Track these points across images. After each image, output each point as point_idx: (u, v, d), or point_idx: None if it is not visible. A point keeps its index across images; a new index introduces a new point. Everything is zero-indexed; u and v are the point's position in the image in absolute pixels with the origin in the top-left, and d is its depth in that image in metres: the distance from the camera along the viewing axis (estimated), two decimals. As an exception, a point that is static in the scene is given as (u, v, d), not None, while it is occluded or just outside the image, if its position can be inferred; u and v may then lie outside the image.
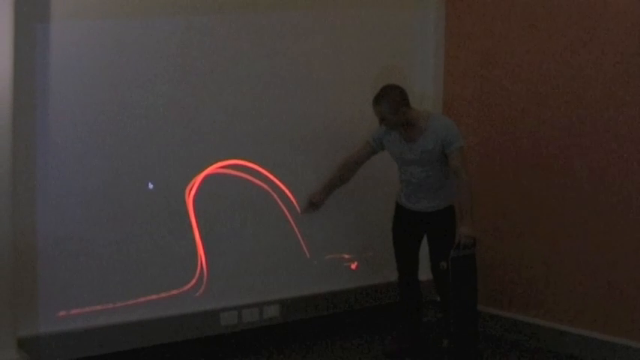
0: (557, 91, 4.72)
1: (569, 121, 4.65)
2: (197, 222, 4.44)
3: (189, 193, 4.42)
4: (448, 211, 4.47)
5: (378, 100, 4.35)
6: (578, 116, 4.61)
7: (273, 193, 4.75)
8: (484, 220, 4.80)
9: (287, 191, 4.81)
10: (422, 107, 4.87)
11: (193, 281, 4.46)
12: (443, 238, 4.41)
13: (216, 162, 4.52)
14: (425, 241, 4.62)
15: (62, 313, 4.02)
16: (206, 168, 4.48)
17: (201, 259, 4.48)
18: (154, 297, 4.32)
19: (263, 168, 4.69)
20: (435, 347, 4.74)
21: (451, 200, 4.48)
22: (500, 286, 5.01)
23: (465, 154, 4.37)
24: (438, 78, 5.45)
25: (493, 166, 5.07)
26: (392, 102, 4.31)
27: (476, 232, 4.28)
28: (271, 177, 4.73)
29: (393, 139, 4.47)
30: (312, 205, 4.60)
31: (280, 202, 4.79)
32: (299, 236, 4.89)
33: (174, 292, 4.39)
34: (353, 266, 5.17)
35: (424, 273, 4.81)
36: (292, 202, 4.82)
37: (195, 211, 4.43)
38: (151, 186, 4.29)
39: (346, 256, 5.15)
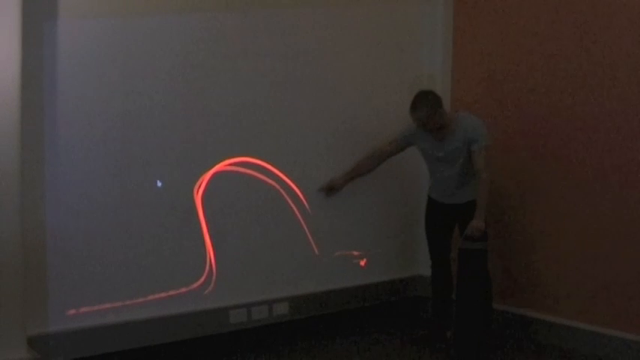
0: (567, 78, 4.69)
1: (579, 109, 4.63)
2: (205, 220, 4.43)
3: (198, 191, 4.41)
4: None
5: (415, 106, 4.45)
6: (588, 104, 4.59)
7: (281, 190, 4.74)
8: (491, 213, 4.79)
9: (295, 188, 4.80)
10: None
11: (202, 279, 4.45)
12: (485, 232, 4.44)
13: (224, 159, 4.51)
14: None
15: (71, 311, 4.02)
16: (214, 165, 4.47)
17: (209, 256, 4.47)
18: (162, 295, 4.31)
19: (271, 165, 4.68)
20: (440, 338, 4.78)
21: None
22: (506, 280, 5.00)
23: (488, 153, 4.43)
24: (446, 69, 5.46)
25: (504, 159, 5.03)
26: (430, 107, 4.43)
27: (484, 225, 4.34)
28: (279, 174, 4.72)
29: (424, 138, 4.60)
30: (332, 189, 4.82)
31: (289, 199, 4.78)
32: (308, 233, 4.88)
33: (184, 289, 4.39)
34: (362, 263, 5.16)
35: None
36: (301, 199, 4.81)
37: (203, 209, 4.42)
38: (159, 184, 4.28)
39: (355, 253, 5.14)
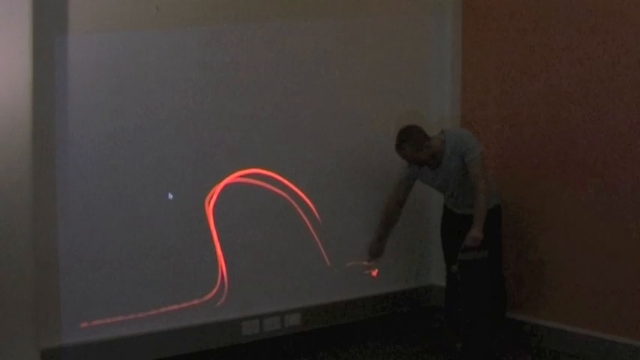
0: (579, 97, 4.65)
1: (592, 127, 4.60)
2: (217, 231, 4.44)
3: (209, 203, 4.41)
4: (491, 213, 4.44)
5: (400, 145, 4.42)
6: (603, 119, 4.55)
7: (292, 202, 4.74)
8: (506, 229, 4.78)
9: (306, 199, 4.80)
10: (437, 127, 4.89)
11: (214, 291, 4.45)
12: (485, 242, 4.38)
13: (235, 171, 4.52)
14: None
15: (84, 324, 4.03)
16: (225, 177, 4.48)
17: (221, 268, 4.47)
18: (175, 307, 4.32)
19: (282, 176, 4.69)
20: (450, 349, 4.73)
21: (493, 202, 4.50)
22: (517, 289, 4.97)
23: (482, 160, 4.37)
24: (456, 86, 5.46)
25: (513, 175, 5.02)
26: (415, 143, 4.39)
27: (482, 235, 4.25)
28: (291, 185, 4.72)
29: (422, 171, 4.57)
30: (374, 255, 4.75)
31: (300, 211, 4.78)
32: (319, 244, 4.88)
33: (196, 301, 4.39)
34: (374, 273, 5.14)
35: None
36: (312, 209, 4.81)
37: (215, 221, 4.43)
38: (170, 196, 4.29)
39: (366, 264, 5.12)
